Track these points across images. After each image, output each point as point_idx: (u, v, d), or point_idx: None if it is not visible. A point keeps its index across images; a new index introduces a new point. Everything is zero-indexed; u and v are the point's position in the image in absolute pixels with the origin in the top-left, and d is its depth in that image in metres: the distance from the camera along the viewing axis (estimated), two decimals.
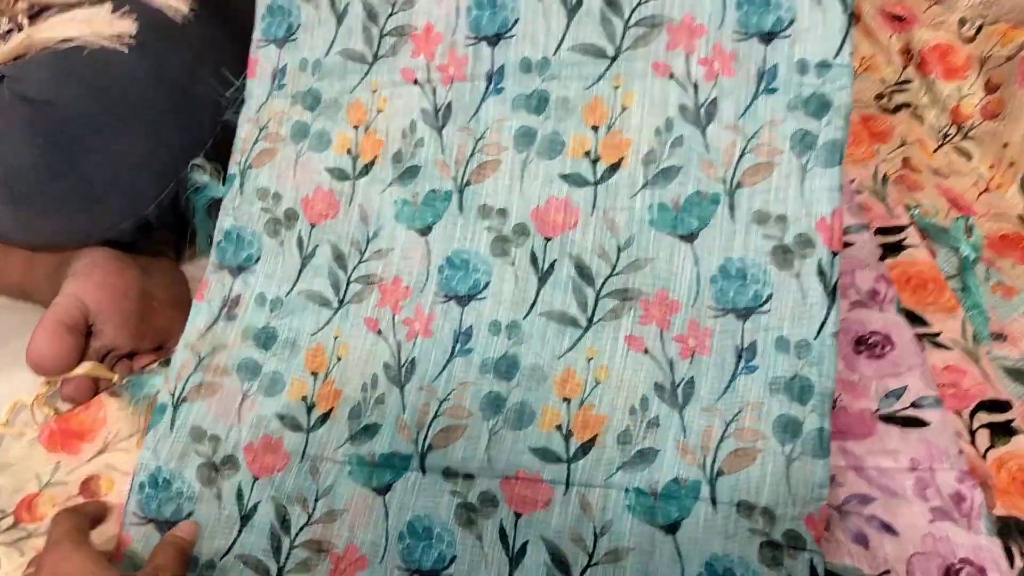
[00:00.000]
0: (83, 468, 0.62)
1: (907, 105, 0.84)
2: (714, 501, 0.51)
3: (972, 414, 0.58)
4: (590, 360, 0.55)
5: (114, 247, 0.70)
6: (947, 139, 0.82)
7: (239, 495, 0.57)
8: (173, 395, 0.60)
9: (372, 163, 0.63)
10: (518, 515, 0.53)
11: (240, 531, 0.56)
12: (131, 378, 0.64)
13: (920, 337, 0.61)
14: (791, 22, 0.55)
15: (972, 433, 0.57)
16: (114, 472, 0.61)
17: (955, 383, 0.59)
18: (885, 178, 0.72)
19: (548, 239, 0.58)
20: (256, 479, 0.57)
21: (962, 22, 0.86)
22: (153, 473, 0.58)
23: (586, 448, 0.53)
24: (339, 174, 0.64)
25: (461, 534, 0.53)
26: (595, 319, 0.56)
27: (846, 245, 0.66)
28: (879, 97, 0.84)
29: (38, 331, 0.62)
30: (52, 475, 0.61)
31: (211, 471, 0.58)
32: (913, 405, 0.57)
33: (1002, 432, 0.56)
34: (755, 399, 0.52)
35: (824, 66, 0.55)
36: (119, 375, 0.66)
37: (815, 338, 0.52)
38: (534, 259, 0.58)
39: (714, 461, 0.51)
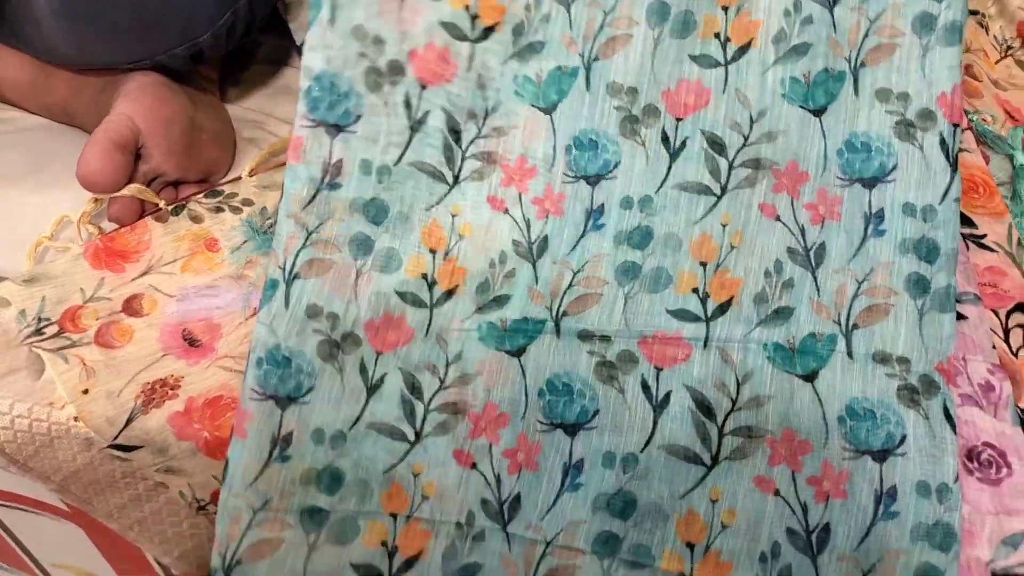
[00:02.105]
0: (126, 287, 0.63)
1: (974, 12, 0.82)
2: (850, 353, 0.54)
3: (1008, 314, 0.58)
4: (724, 226, 0.56)
5: (163, 74, 0.69)
6: (1009, 52, 0.81)
7: (363, 369, 0.55)
8: (284, 269, 0.56)
9: (492, 28, 0.58)
10: (659, 369, 0.54)
11: (367, 401, 0.54)
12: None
13: (965, 238, 0.62)
14: None
15: (1007, 332, 0.58)
16: (157, 293, 0.62)
17: (995, 283, 0.60)
18: None
19: (679, 119, 0.58)
20: (380, 354, 0.55)
21: None
22: (271, 350, 0.54)
23: (723, 308, 0.55)
24: (456, 32, 0.58)
25: (603, 389, 0.54)
26: (728, 187, 0.57)
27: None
28: None
29: (89, 147, 0.62)
30: (96, 290, 0.62)
31: (331, 347, 0.55)
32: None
33: None
34: (885, 259, 0.55)
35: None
36: (164, 201, 0.66)
37: (940, 203, 0.55)
38: (665, 138, 0.58)
39: (848, 316, 0.54)
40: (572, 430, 0.53)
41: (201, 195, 0.68)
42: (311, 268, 0.56)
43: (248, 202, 0.68)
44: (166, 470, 0.58)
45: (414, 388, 0.54)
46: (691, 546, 0.51)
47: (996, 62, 0.80)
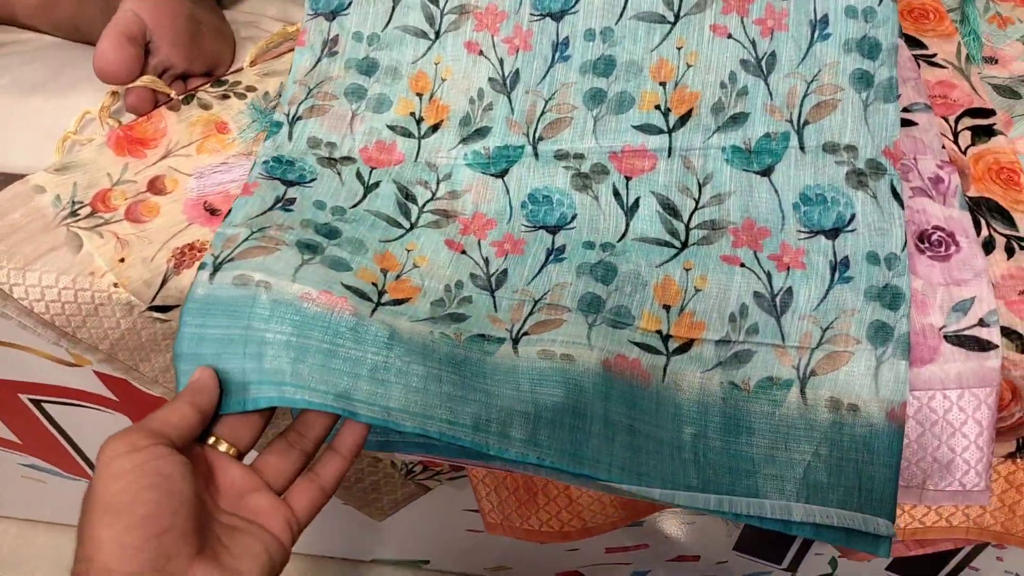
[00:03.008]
0: (149, 169, 0.68)
1: None
2: (802, 147, 0.59)
3: (958, 119, 0.63)
4: (679, 49, 0.62)
5: None
6: None
7: (359, 176, 0.63)
8: (288, 115, 0.66)
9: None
10: (628, 178, 0.61)
11: (365, 196, 0.63)
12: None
13: (916, 58, 0.66)
14: None
15: (956, 135, 0.63)
16: (177, 173, 0.68)
17: (945, 95, 0.64)
18: None
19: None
20: (374, 168, 0.64)
21: None
22: (276, 156, 0.64)
23: (684, 120, 0.61)
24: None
25: (578, 197, 0.61)
26: (681, 14, 0.63)
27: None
28: None
29: (103, 41, 0.67)
30: (122, 174, 0.68)
31: (330, 161, 0.64)
32: (905, 110, 0.62)
33: (983, 133, 0.62)
34: (831, 60, 0.61)
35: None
36: (175, 93, 0.72)
37: (879, 4, 0.61)
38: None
39: (799, 114, 0.59)
40: (553, 230, 0.60)
41: (208, 85, 0.73)
42: (311, 112, 0.64)
43: (251, 88, 0.73)
44: None
45: (408, 195, 0.62)
46: (667, 308, 0.56)
47: None
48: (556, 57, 0.64)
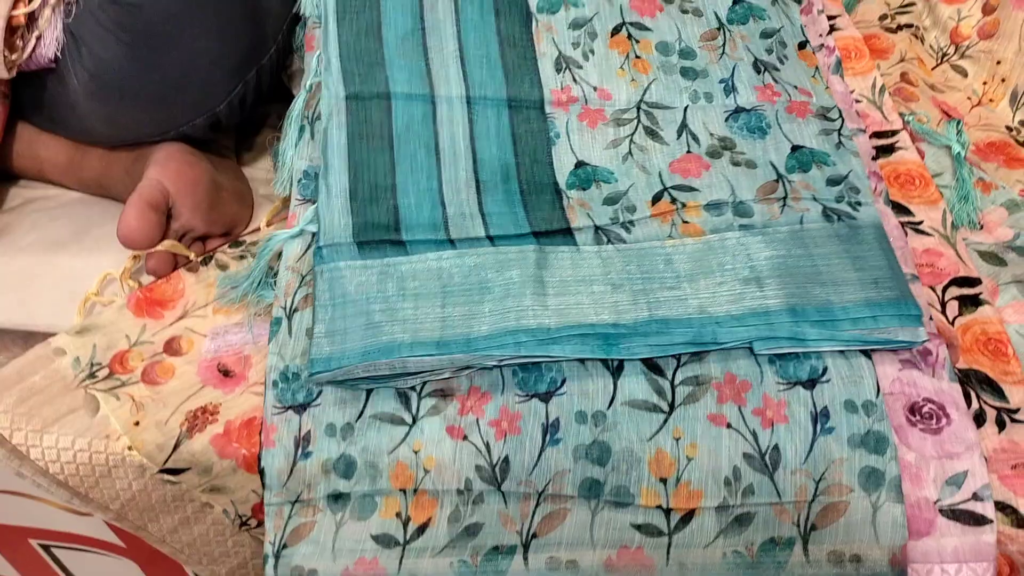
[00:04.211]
0: (166, 330, 0.71)
1: (909, 26, 0.90)
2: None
3: (945, 289, 0.65)
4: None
5: (187, 143, 0.79)
6: (945, 58, 0.89)
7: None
8: (285, 308, 0.66)
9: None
10: None
11: (368, 397, 0.62)
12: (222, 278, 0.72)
13: (904, 225, 0.69)
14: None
15: (943, 305, 0.65)
16: (192, 334, 0.70)
17: (932, 263, 0.67)
18: (883, 88, 0.79)
19: None
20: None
21: None
22: (283, 371, 0.63)
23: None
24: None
25: (566, 363, 0.61)
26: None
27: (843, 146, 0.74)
28: (883, 18, 0.91)
29: (128, 209, 0.71)
30: (140, 335, 0.70)
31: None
32: None
33: (970, 303, 0.64)
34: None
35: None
36: (194, 254, 0.75)
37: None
38: None
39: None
40: (545, 397, 0.60)
41: (226, 246, 0.76)
42: (307, 302, 0.66)
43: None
44: (211, 489, 0.66)
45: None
46: (664, 481, 0.58)
47: (933, 68, 0.88)
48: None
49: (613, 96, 0.76)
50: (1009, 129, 0.82)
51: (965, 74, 0.87)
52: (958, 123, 0.76)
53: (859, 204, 0.67)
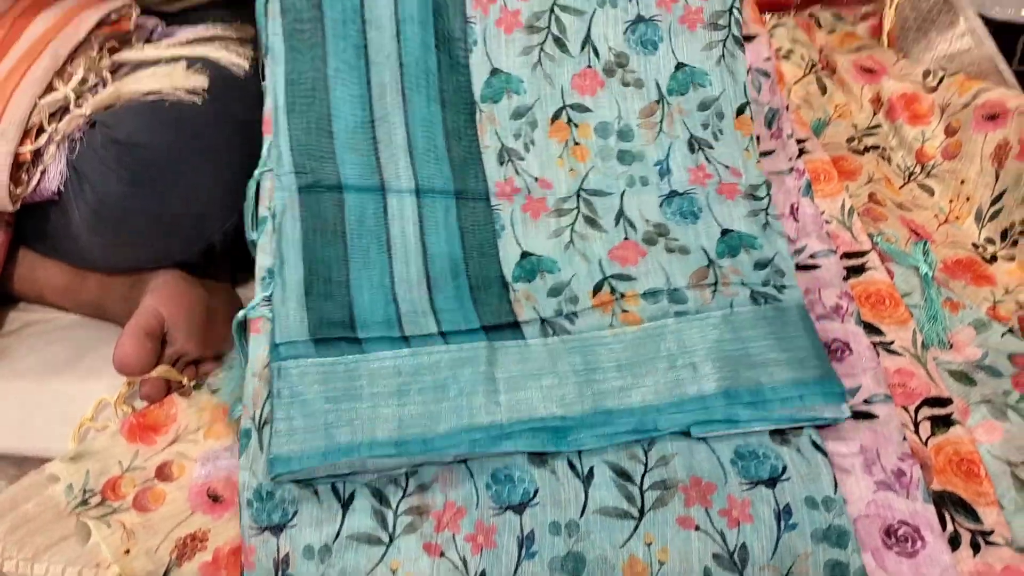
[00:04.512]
0: (158, 456, 0.72)
1: (876, 147, 0.95)
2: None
3: (917, 409, 0.67)
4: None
5: (182, 269, 0.81)
6: (912, 177, 0.93)
7: (334, 490, 0.63)
8: (255, 420, 0.66)
9: None
10: (579, 450, 0.64)
11: (344, 516, 0.62)
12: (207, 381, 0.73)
13: (875, 345, 0.71)
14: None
15: (916, 425, 0.66)
16: (184, 459, 0.72)
17: (904, 383, 0.69)
18: (851, 210, 0.82)
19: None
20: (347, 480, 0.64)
21: (926, 74, 0.97)
22: (256, 490, 0.63)
23: None
24: None
25: (537, 472, 0.63)
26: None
27: (814, 268, 0.77)
28: (850, 140, 0.95)
29: (124, 337, 0.73)
30: (132, 461, 0.72)
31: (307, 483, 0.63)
32: (865, 402, 0.67)
33: (942, 423, 0.66)
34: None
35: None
36: (187, 378, 0.77)
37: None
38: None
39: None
40: (519, 509, 0.62)
41: (218, 369, 0.78)
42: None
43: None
44: None
45: (382, 498, 0.63)
46: None
47: (900, 187, 0.92)
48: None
49: (553, 185, 0.79)
50: (976, 246, 0.85)
51: (932, 192, 0.91)
52: (925, 244, 0.79)
53: (784, 287, 0.72)
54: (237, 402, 0.72)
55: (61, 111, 0.79)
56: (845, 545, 0.60)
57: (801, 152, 0.88)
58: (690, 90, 0.83)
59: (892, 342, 0.72)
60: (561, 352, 0.69)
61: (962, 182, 0.89)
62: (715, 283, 0.73)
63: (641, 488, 0.63)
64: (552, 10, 0.83)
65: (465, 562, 0.61)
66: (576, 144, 0.80)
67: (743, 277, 0.73)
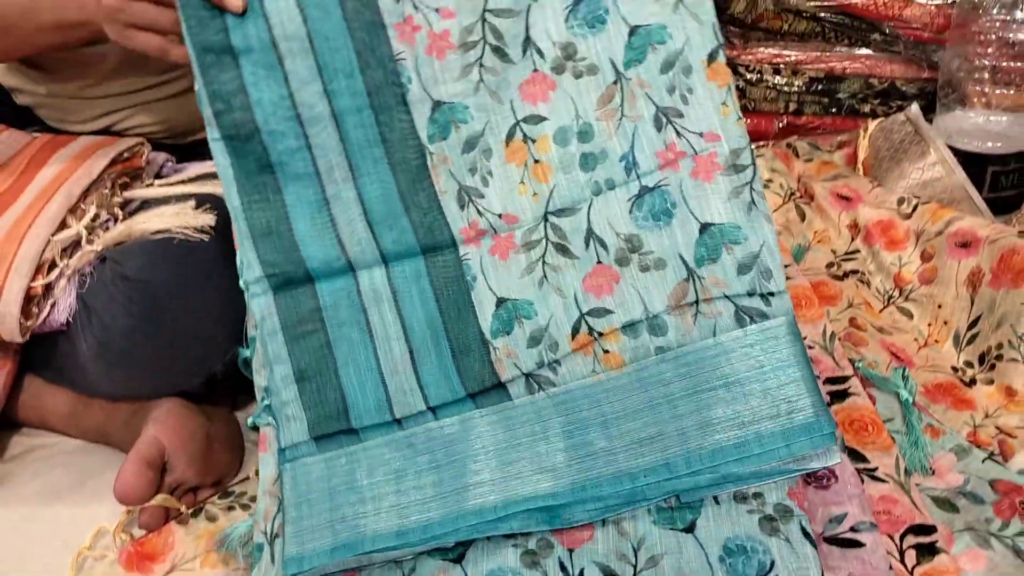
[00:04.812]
0: None
1: (855, 272, 0.98)
2: (715, 498, 0.66)
3: (902, 537, 0.69)
4: None
5: (184, 397, 0.84)
6: (891, 301, 0.96)
7: None
8: (266, 534, 0.69)
9: None
10: (571, 550, 0.66)
11: None
12: (219, 535, 0.74)
13: (860, 472, 0.73)
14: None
15: (901, 553, 0.68)
16: None
17: (888, 511, 0.70)
18: (833, 335, 0.85)
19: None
20: None
21: (900, 201, 1.01)
22: None
23: None
24: None
25: (529, 574, 0.65)
26: None
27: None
28: (830, 265, 0.99)
29: (125, 467, 0.74)
30: None
31: None
32: (852, 529, 0.68)
33: (927, 552, 0.67)
34: None
35: None
36: (185, 506, 0.78)
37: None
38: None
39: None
40: None
41: (215, 497, 0.80)
42: None
43: (255, 499, 0.80)
44: None
45: None
46: None
47: (880, 310, 0.95)
48: None
49: (519, 218, 0.74)
50: (955, 370, 0.87)
51: (911, 316, 0.94)
52: (904, 370, 0.81)
53: (771, 295, 0.68)
54: (232, 530, 0.74)
55: (73, 246, 0.83)
56: None
57: None
58: (648, 54, 0.73)
59: (876, 468, 0.74)
60: (549, 410, 0.70)
61: (939, 306, 0.93)
62: (696, 301, 0.69)
63: None
64: (483, 18, 0.75)
65: None
66: (536, 162, 0.74)
67: (726, 289, 0.69)
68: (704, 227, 0.70)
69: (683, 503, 0.66)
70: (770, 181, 1.07)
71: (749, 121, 1.29)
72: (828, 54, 1.26)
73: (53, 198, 0.83)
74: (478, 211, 0.74)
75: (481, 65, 0.75)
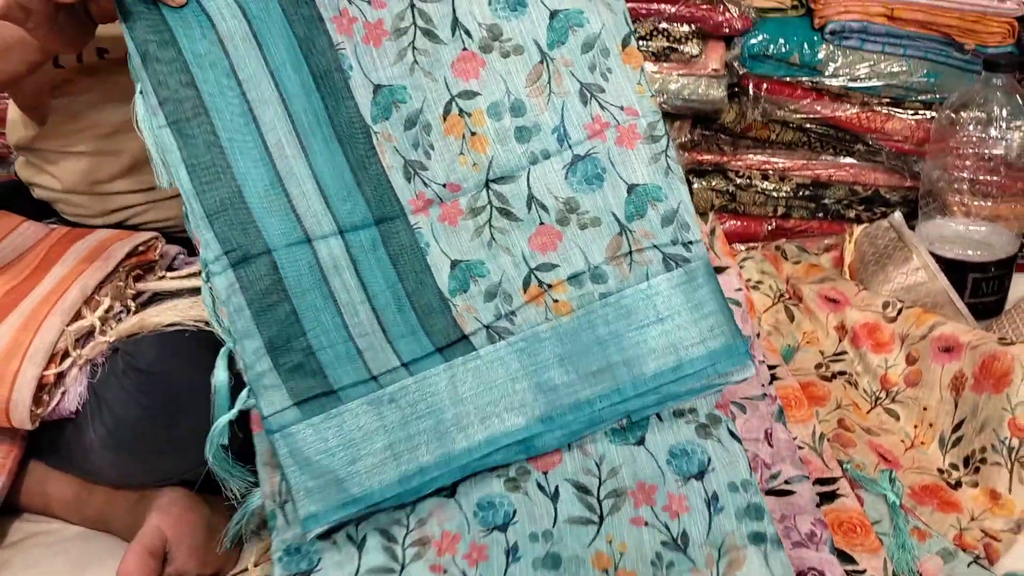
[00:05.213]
0: None
1: (843, 373, 1.01)
2: (659, 416, 0.80)
3: None
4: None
5: (184, 486, 0.85)
6: (878, 402, 0.99)
7: (349, 537, 0.74)
8: (276, 501, 0.75)
9: None
10: (544, 472, 0.78)
11: (360, 556, 0.73)
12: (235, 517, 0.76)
13: (849, 574, 0.75)
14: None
15: None
16: None
17: None
18: (822, 436, 0.88)
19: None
20: (360, 523, 0.75)
21: (885, 305, 1.05)
22: (286, 548, 0.73)
23: None
24: None
25: (514, 496, 0.76)
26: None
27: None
28: (819, 366, 1.02)
29: (128, 556, 0.76)
30: None
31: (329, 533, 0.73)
32: (785, 482, 0.77)
33: None
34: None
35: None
36: None
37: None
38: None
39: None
40: (503, 528, 0.75)
41: None
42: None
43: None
44: None
45: (390, 537, 0.74)
46: (606, 571, 0.73)
47: (868, 411, 0.98)
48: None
49: (462, 186, 0.80)
50: (941, 472, 0.90)
51: (897, 417, 0.97)
52: (891, 472, 0.84)
53: (690, 243, 0.79)
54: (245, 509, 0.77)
55: (85, 336, 0.85)
56: (762, 518, 0.74)
57: (773, 378, 0.95)
58: (569, 36, 0.80)
59: (864, 571, 0.75)
60: (511, 356, 0.79)
61: (925, 408, 0.96)
62: (629, 251, 0.79)
63: (599, 499, 0.77)
64: (412, 4, 0.79)
65: (465, 573, 0.73)
66: (473, 135, 0.80)
67: (654, 239, 0.79)
68: (631, 188, 0.80)
69: (633, 423, 0.79)
70: (760, 283, 1.11)
71: (739, 224, 1.34)
72: (814, 162, 1.31)
73: (69, 290, 0.85)
74: (423, 182, 0.79)
75: (414, 48, 0.80)
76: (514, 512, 0.76)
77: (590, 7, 0.80)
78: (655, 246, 0.79)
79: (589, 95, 0.80)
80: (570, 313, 0.79)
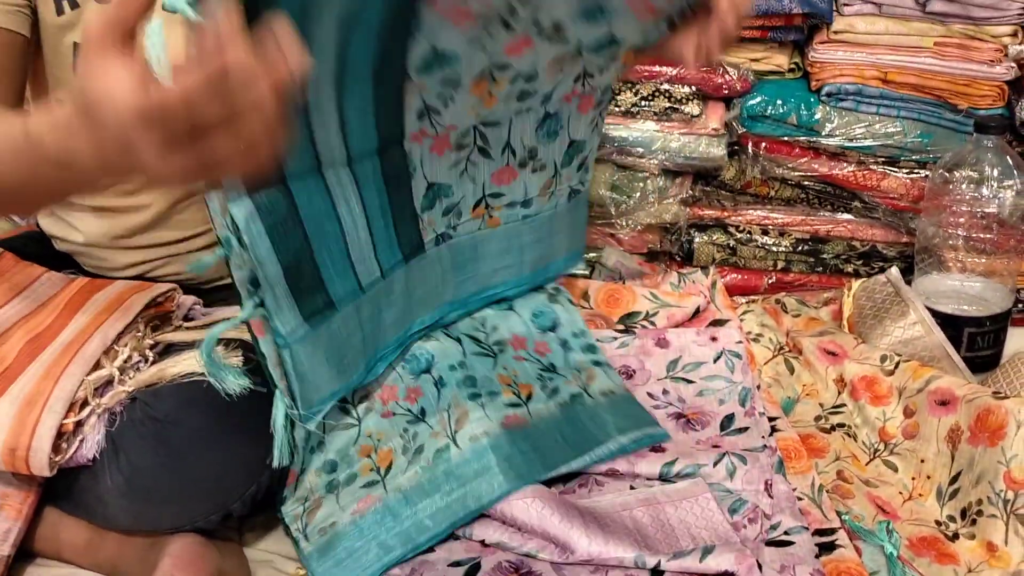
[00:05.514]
0: None
1: (842, 425, 1.03)
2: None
3: None
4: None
5: (196, 531, 0.87)
6: (877, 454, 1.01)
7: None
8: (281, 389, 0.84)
9: None
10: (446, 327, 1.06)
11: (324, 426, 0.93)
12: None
13: None
14: None
15: None
16: None
17: None
18: (821, 488, 0.90)
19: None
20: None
21: (883, 358, 1.07)
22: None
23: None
24: None
25: (429, 345, 1.02)
26: None
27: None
28: (818, 419, 1.04)
29: None
30: None
31: None
32: (785, 533, 0.73)
33: None
34: None
35: None
36: None
37: None
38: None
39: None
40: (428, 369, 1.00)
41: None
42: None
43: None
44: None
45: (345, 400, 0.96)
46: (509, 384, 1.00)
47: (866, 463, 1.00)
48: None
49: (458, 126, 0.91)
50: (938, 523, 0.91)
51: (896, 469, 0.99)
52: (889, 524, 0.85)
53: (585, 181, 1.09)
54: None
55: (104, 385, 0.88)
56: (597, 351, 1.08)
57: (773, 430, 0.97)
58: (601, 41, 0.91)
59: None
60: (444, 252, 0.99)
61: (922, 461, 0.97)
62: (553, 189, 1.04)
63: (489, 344, 1.04)
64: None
65: (409, 410, 0.96)
66: (490, 95, 0.90)
67: (570, 181, 1.06)
68: (572, 143, 1.02)
69: (511, 298, 1.09)
70: (760, 335, 1.13)
71: (740, 277, 1.37)
72: (813, 218, 1.35)
73: (90, 340, 0.88)
74: (431, 122, 0.88)
75: (486, 30, 0.81)
76: (432, 356, 0.99)
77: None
78: (568, 185, 1.06)
79: (583, 77, 0.96)
80: (497, 226, 1.02)
